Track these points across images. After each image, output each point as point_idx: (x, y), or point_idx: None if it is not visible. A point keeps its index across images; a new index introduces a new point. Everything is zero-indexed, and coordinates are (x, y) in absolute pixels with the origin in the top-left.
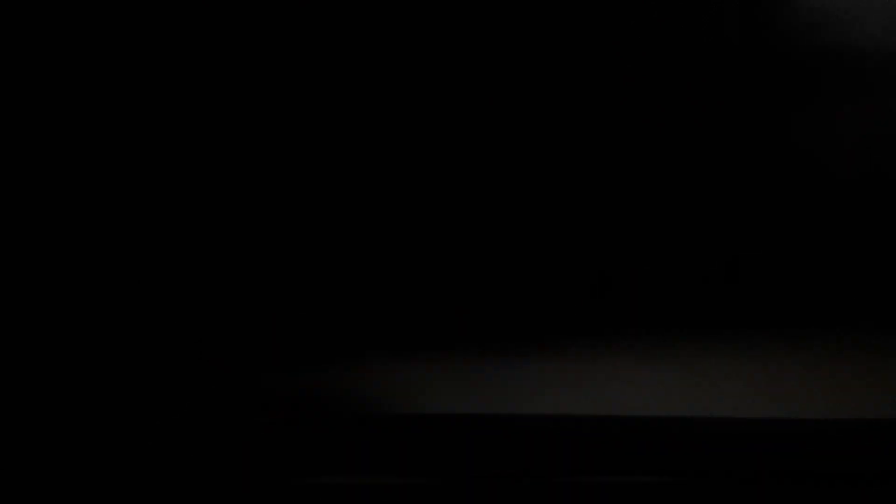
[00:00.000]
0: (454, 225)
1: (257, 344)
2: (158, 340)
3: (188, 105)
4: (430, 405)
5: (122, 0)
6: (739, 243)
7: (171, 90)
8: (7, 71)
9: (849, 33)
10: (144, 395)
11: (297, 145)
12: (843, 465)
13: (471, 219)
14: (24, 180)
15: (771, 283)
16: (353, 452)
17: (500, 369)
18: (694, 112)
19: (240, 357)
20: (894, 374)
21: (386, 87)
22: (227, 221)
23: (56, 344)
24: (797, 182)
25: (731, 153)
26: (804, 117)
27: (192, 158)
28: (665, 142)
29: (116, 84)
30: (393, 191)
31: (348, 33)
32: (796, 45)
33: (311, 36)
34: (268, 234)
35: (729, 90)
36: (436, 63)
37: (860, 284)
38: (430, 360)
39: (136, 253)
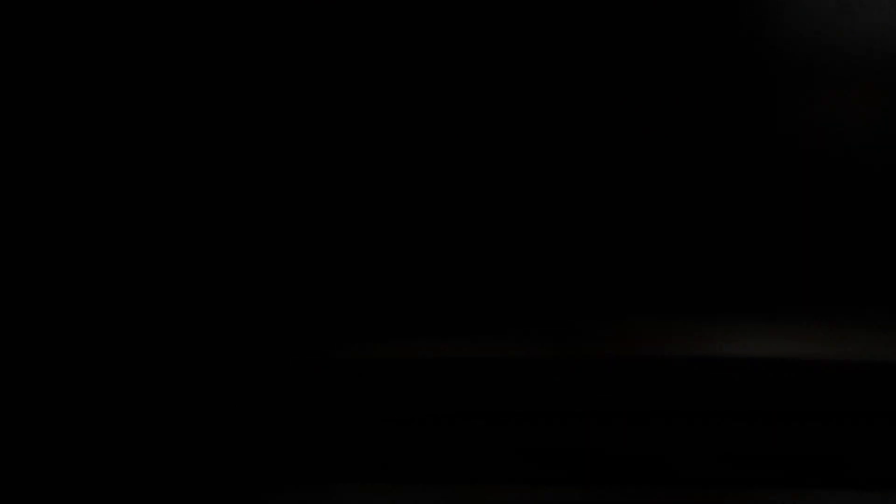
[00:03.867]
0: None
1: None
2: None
3: (188, 104)
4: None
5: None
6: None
7: (170, 90)
8: (7, 71)
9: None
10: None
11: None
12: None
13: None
14: (23, 180)
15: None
16: None
17: None
18: (684, 110)
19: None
20: None
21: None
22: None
23: (60, 341)
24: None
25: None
26: (797, 114)
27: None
28: (661, 138)
29: (116, 84)
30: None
31: (348, 33)
32: (788, 42)
33: (312, 36)
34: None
35: (721, 86)
36: (432, 62)
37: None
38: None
39: (160, 251)
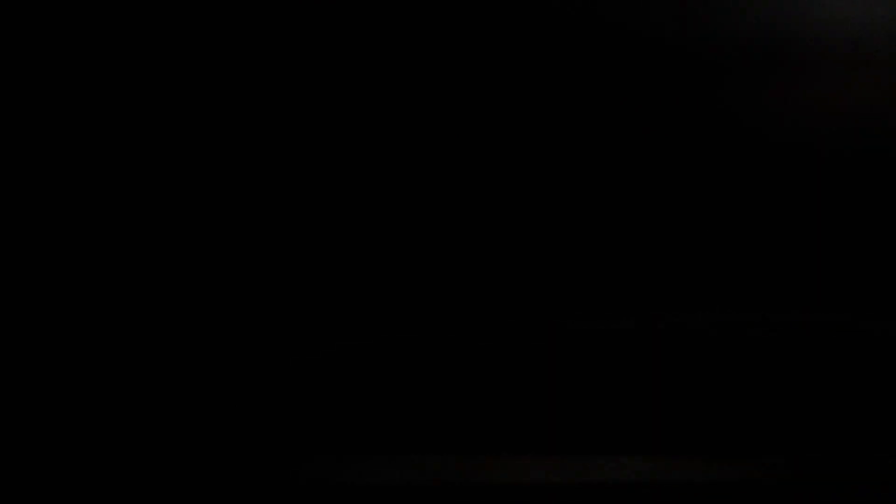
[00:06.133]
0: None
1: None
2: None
3: (188, 104)
4: None
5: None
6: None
7: (170, 90)
8: (7, 71)
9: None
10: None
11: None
12: None
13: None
14: (24, 180)
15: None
16: None
17: None
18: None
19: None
20: None
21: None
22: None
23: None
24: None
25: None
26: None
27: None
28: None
29: (116, 84)
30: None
31: (348, 33)
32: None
33: (311, 36)
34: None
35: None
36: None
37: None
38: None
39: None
